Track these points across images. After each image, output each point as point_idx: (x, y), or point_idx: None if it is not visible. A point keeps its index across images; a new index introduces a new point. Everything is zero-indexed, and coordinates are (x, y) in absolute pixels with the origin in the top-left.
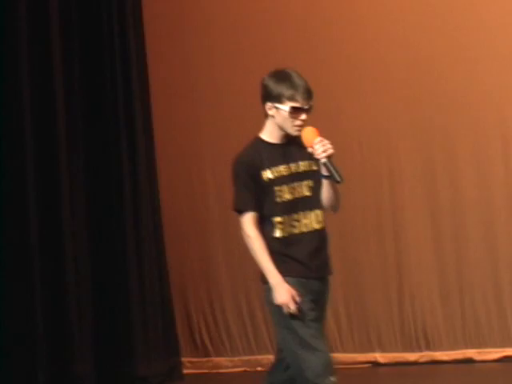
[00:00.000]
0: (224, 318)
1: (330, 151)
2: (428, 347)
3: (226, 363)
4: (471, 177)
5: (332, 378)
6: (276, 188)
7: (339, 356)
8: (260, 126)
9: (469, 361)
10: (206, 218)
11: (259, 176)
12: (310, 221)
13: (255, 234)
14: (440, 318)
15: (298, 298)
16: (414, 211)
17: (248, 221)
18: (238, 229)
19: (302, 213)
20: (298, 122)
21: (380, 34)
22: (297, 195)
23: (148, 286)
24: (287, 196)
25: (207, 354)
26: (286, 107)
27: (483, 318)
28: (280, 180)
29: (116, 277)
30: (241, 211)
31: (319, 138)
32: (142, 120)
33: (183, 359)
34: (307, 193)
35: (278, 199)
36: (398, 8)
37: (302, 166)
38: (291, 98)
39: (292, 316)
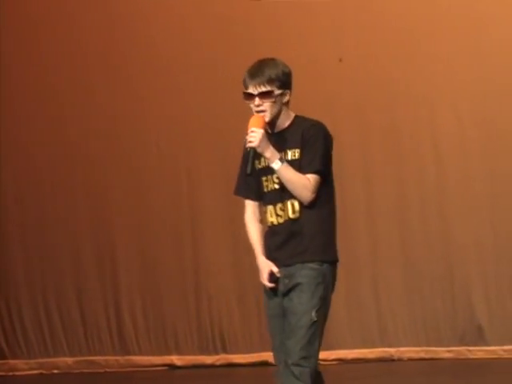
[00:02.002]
0: (20, 320)
1: (252, 144)
2: (224, 350)
3: (22, 366)
4: None
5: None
6: (263, 178)
7: (136, 358)
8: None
9: (265, 364)
10: (3, 219)
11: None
12: (286, 210)
13: (245, 220)
14: (237, 321)
15: (275, 269)
16: (213, 213)
17: (245, 207)
18: (37, 232)
19: (287, 201)
20: (254, 108)
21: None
22: (282, 185)
23: None
24: (272, 186)
25: (3, 357)
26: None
27: None
28: (267, 170)
29: None
30: (236, 195)
31: (252, 129)
32: None
33: None
34: None
35: (265, 189)
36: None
37: (286, 155)
38: (243, 84)
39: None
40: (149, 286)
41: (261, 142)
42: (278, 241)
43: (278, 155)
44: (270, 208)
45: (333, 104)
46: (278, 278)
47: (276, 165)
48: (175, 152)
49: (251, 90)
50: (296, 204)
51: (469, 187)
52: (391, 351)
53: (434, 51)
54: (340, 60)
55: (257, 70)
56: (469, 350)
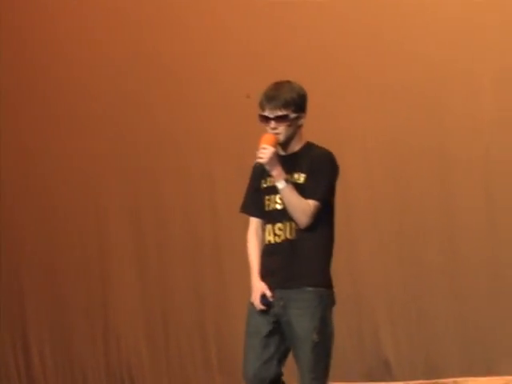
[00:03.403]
0: None
1: (261, 160)
2: None
3: None
4: (178, 219)
5: None
6: (266, 197)
7: None
8: None
9: None
10: None
11: (259, 184)
12: (285, 231)
13: (247, 237)
14: (145, 359)
15: (268, 293)
16: (121, 250)
17: (249, 224)
18: None
19: (287, 222)
20: (269, 131)
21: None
22: (282, 205)
23: None
24: (273, 205)
25: None
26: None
27: (188, 358)
28: (271, 189)
29: None
30: (242, 212)
31: (263, 145)
32: None
33: None
34: None
35: (266, 208)
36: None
37: (292, 177)
38: (259, 106)
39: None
40: (57, 325)
41: (270, 159)
42: (276, 262)
43: (284, 175)
44: (268, 227)
45: (241, 140)
46: (269, 301)
47: (281, 184)
48: (85, 189)
49: (267, 113)
50: (294, 226)
51: (377, 225)
52: None
53: (341, 93)
54: (248, 96)
55: (273, 94)
56: None
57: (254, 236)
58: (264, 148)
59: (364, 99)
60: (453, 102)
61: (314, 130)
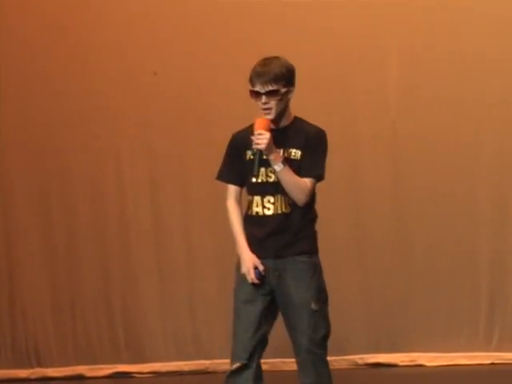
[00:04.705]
0: None
1: (259, 146)
2: (39, 364)
3: None
4: (85, 194)
5: (233, 365)
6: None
7: None
8: None
9: (80, 377)
10: None
11: (243, 154)
12: (279, 204)
13: (228, 206)
14: (52, 335)
15: (260, 267)
16: (26, 225)
17: (227, 193)
18: None
19: (281, 196)
20: (261, 106)
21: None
22: (273, 178)
23: None
24: (264, 178)
25: None
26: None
27: (94, 334)
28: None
29: None
30: (219, 179)
31: (259, 131)
32: None
33: None
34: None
35: (253, 179)
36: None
37: (287, 153)
38: (250, 81)
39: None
40: None
41: (268, 145)
42: (266, 231)
43: (281, 157)
44: (256, 198)
45: (148, 117)
46: (262, 274)
47: (279, 167)
48: None
49: (258, 88)
50: (288, 200)
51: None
52: (206, 363)
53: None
54: (155, 73)
55: (263, 69)
56: (283, 362)
57: (236, 205)
58: (260, 134)
59: None
60: (360, 78)
61: (221, 106)
